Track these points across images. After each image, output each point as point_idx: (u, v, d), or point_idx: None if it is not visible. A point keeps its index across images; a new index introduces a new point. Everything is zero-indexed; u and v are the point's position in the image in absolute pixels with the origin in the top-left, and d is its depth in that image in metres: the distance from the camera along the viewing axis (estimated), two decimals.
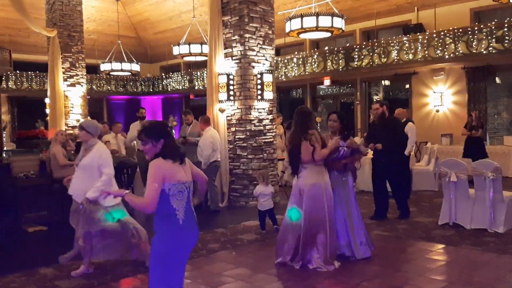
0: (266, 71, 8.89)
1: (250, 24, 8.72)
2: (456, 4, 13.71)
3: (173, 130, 17.26)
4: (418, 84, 14.64)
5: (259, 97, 8.84)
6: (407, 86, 15.17)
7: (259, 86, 8.82)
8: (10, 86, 17.88)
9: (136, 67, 16.33)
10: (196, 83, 19.52)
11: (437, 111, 14.15)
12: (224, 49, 8.97)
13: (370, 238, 5.52)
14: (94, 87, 20.11)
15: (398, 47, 13.18)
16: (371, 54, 13.77)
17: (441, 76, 13.96)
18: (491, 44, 11.51)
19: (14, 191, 7.46)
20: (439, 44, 12.37)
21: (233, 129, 8.98)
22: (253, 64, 8.79)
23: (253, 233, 6.67)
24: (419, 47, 12.77)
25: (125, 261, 5.26)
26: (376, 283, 4.60)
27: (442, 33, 12.35)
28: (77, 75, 13.77)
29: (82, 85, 13.92)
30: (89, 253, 5.00)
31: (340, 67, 14.54)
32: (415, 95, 14.75)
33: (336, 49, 14.74)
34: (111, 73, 16.75)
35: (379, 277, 4.75)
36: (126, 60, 16.46)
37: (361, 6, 15.24)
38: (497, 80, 13.83)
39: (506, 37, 11.26)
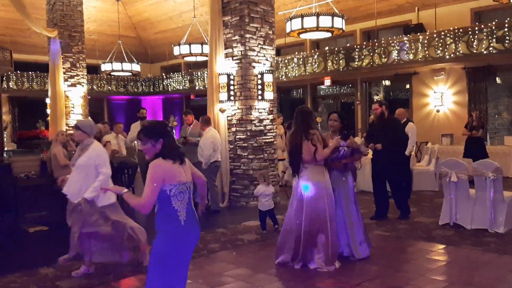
0: (266, 71, 8.89)
1: (251, 24, 8.72)
2: (457, 4, 13.71)
3: (174, 130, 17.27)
4: (418, 84, 14.64)
5: (260, 97, 8.84)
6: (408, 86, 15.17)
7: (259, 86, 8.82)
8: (11, 86, 17.89)
9: (136, 67, 16.33)
10: (197, 83, 19.53)
11: (438, 111, 14.15)
12: (225, 49, 8.97)
13: (368, 238, 5.52)
14: (94, 87, 20.12)
15: (398, 47, 13.17)
16: (371, 54, 13.77)
17: (442, 76, 13.96)
18: (491, 44, 11.51)
19: (15, 191, 7.48)
20: (440, 44, 12.37)
21: (233, 129, 8.99)
22: (253, 64, 8.80)
23: (254, 233, 6.68)
24: (420, 47, 12.76)
25: (125, 261, 5.27)
26: (376, 283, 4.60)
27: (442, 33, 12.34)
28: (77, 75, 13.77)
29: (82, 85, 13.92)
30: (88, 253, 5.00)
31: (341, 67, 14.54)
32: (415, 95, 14.75)
33: (336, 49, 14.73)
34: (112, 73, 16.76)
35: (380, 277, 4.75)
36: (126, 60, 16.47)
37: (361, 6, 15.24)
38: (498, 80, 13.82)
39: (507, 37, 11.25)
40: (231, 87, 8.85)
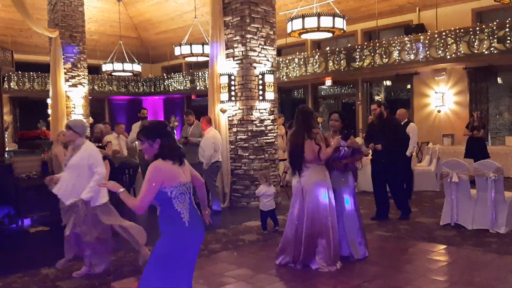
0: (267, 72, 8.89)
1: (252, 25, 8.72)
2: (458, 5, 13.70)
3: (175, 131, 17.28)
4: (419, 84, 14.63)
5: (261, 97, 8.84)
6: (409, 86, 15.16)
7: (260, 87, 8.82)
8: (12, 86, 17.91)
9: (137, 67, 16.35)
10: (198, 84, 19.54)
11: (439, 111, 14.14)
12: (226, 49, 8.98)
13: (366, 238, 5.51)
14: (95, 87, 20.14)
15: (399, 48, 13.17)
16: (372, 54, 13.77)
17: (443, 76, 13.95)
18: (492, 45, 11.50)
19: (16, 192, 7.49)
20: (441, 45, 12.36)
21: (234, 129, 8.99)
22: (254, 64, 8.80)
23: (255, 234, 6.68)
24: (421, 48, 12.76)
25: (125, 261, 5.27)
26: (377, 284, 4.60)
27: (443, 33, 12.34)
28: (78, 75, 13.78)
29: (83, 86, 13.93)
30: (88, 254, 4.99)
31: (342, 68, 14.54)
32: (416, 96, 14.74)
33: (337, 49, 14.74)
34: (113, 73, 16.78)
35: (381, 278, 4.75)
36: (127, 60, 16.48)
37: (362, 6, 15.23)
38: (499, 80, 13.82)
39: (508, 38, 11.24)
40: (232, 88, 8.86)
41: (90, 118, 14.47)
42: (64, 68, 13.23)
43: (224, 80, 8.90)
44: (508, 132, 13.41)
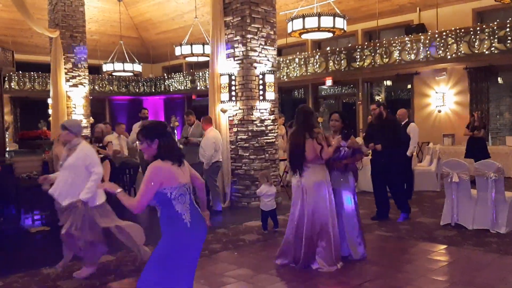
0: (268, 72, 8.89)
1: (252, 25, 8.72)
2: (458, 4, 13.69)
3: (175, 131, 17.29)
4: (420, 84, 14.63)
5: (261, 97, 8.84)
6: (409, 86, 15.16)
7: (261, 87, 8.83)
8: (12, 86, 17.92)
9: (138, 67, 16.36)
10: (198, 84, 19.54)
11: (439, 111, 14.14)
12: (226, 49, 8.98)
13: (364, 239, 5.52)
14: (96, 87, 20.15)
15: (400, 48, 13.17)
16: (373, 54, 13.76)
17: (443, 76, 13.95)
18: (493, 45, 11.50)
19: (17, 192, 7.49)
20: (441, 45, 12.36)
21: (235, 129, 8.99)
22: (255, 64, 8.80)
23: (255, 234, 6.68)
24: (421, 48, 12.76)
25: (126, 261, 5.27)
26: (378, 284, 4.60)
27: (444, 33, 12.34)
28: (79, 75, 13.80)
29: (84, 86, 13.94)
30: (87, 254, 4.99)
31: (342, 68, 14.54)
32: (417, 96, 14.74)
33: (338, 49, 14.74)
34: (113, 73, 16.79)
35: (381, 278, 4.75)
36: (128, 60, 16.49)
37: (363, 6, 15.23)
38: (499, 80, 13.81)
39: (508, 37, 11.24)
40: (233, 88, 8.86)
41: (91, 118, 14.49)
42: (65, 68, 13.25)
43: (224, 80, 8.91)
44: (508, 132, 13.40)
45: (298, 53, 16.12)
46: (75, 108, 13.69)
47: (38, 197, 7.57)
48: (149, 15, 20.44)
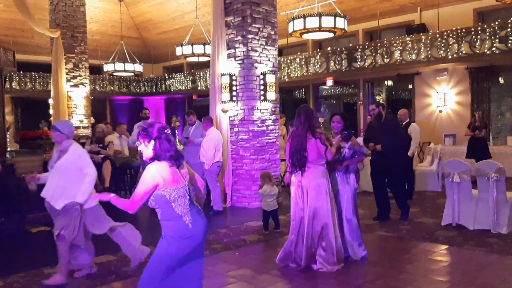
0: (269, 72, 8.89)
1: (253, 25, 8.72)
2: (459, 4, 13.69)
3: (176, 131, 17.29)
4: (421, 84, 14.62)
5: (262, 97, 8.84)
6: (410, 86, 15.14)
7: (262, 87, 8.82)
8: (13, 86, 17.93)
9: (139, 67, 16.37)
10: (199, 84, 19.54)
11: (440, 111, 14.12)
12: (227, 49, 8.98)
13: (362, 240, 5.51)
14: (97, 87, 20.16)
15: (401, 48, 13.16)
16: (374, 54, 13.76)
17: (444, 76, 13.93)
18: (494, 45, 11.49)
19: (18, 192, 7.49)
20: (442, 45, 12.35)
21: (236, 129, 8.99)
22: (256, 64, 8.80)
23: (256, 234, 6.67)
24: (422, 48, 12.75)
25: (126, 261, 5.27)
26: (378, 284, 4.59)
27: (445, 33, 12.33)
28: (80, 75, 13.81)
29: (85, 86, 13.95)
30: (86, 255, 4.98)
31: (343, 68, 14.54)
32: (418, 96, 14.73)
33: (339, 49, 14.73)
34: (114, 73, 16.80)
35: (382, 278, 4.75)
36: (129, 60, 16.50)
37: (364, 6, 15.23)
38: (501, 80, 13.79)
39: (510, 38, 11.22)
40: (234, 88, 8.86)
41: (92, 118, 14.50)
42: (66, 68, 13.26)
43: (225, 80, 8.90)
44: (510, 132, 13.38)
45: (299, 53, 16.11)
46: (76, 108, 13.71)
47: (39, 197, 7.59)
48: (150, 15, 20.45)
